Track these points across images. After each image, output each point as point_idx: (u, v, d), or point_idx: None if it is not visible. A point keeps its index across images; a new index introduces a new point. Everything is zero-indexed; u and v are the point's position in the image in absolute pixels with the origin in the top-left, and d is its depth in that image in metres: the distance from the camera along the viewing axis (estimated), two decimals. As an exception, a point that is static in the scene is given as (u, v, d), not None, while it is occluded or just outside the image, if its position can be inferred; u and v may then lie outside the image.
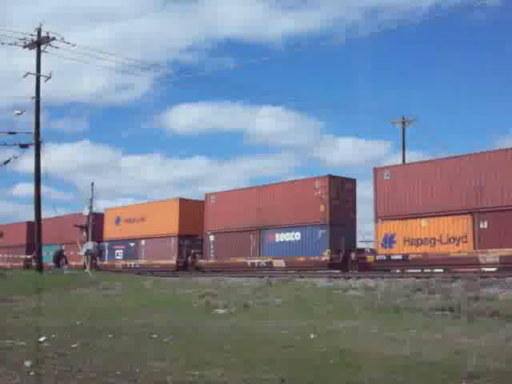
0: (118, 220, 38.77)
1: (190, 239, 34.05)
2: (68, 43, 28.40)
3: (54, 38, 28.33)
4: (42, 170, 28.59)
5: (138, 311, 15.20)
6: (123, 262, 37.45)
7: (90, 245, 35.44)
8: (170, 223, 34.24)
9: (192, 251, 33.48)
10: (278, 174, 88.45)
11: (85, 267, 33.31)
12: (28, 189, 73.92)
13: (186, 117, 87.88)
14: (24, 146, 28.23)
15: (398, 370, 7.35)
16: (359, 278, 21.42)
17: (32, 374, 7.72)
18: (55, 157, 79.24)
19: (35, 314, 15.11)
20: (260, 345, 9.53)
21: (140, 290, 21.13)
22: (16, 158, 28.94)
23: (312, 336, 10.26)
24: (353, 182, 28.15)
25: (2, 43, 27.97)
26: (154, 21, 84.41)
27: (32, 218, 30.43)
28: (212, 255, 31.94)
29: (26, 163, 62.86)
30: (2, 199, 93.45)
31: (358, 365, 7.76)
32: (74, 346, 9.73)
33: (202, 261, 32.47)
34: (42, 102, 28.85)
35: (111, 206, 43.02)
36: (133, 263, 36.74)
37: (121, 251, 38.11)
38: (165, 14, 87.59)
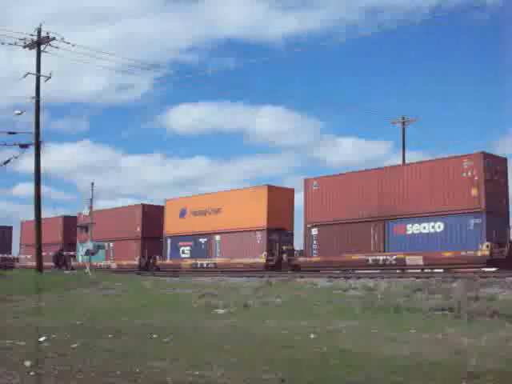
0: (183, 212, 34.09)
1: (278, 233, 29.49)
2: (68, 43, 28.46)
3: (53, 38, 28.35)
4: (41, 170, 28.63)
5: (138, 311, 15.20)
6: (191, 261, 33.06)
7: (90, 245, 35.36)
8: (255, 214, 29.53)
9: (284, 247, 29.15)
10: (278, 174, 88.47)
11: (88, 265, 33.09)
12: (28, 189, 74.09)
13: (186, 117, 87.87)
14: (24, 146, 28.23)
15: (397, 370, 7.35)
16: (359, 277, 21.42)
17: (32, 374, 7.72)
18: (55, 157, 79.20)
19: (35, 314, 15.11)
20: (260, 345, 9.53)
21: (140, 290, 21.13)
22: (16, 157, 28.95)
23: (312, 336, 10.26)
24: (503, 160, 23.95)
25: (2, 43, 28.03)
26: (154, 21, 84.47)
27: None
28: (315, 252, 27.39)
29: (26, 163, 62.87)
30: (2, 199, 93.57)
31: (358, 365, 7.75)
32: (74, 346, 9.73)
33: (301, 259, 28.01)
34: (42, 102, 28.90)
35: (174, 196, 37.82)
36: (205, 262, 32.10)
37: (188, 248, 33.54)
38: (165, 14, 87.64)
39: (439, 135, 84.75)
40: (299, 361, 8.17)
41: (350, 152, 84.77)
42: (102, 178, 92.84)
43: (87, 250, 34.47)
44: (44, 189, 28.94)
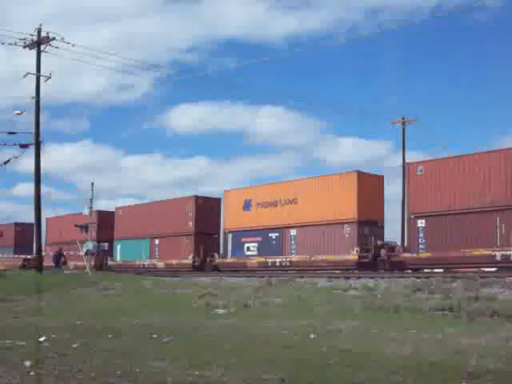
0: (247, 204, 30.40)
1: (369, 226, 26.07)
2: (68, 43, 28.45)
3: (53, 38, 28.34)
4: (41, 170, 28.64)
5: (138, 311, 15.20)
6: (260, 259, 29.27)
7: (90, 245, 35.31)
8: (342, 205, 26.15)
9: (378, 242, 25.83)
10: (279, 174, 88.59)
11: (94, 266, 32.91)
12: (28, 189, 73.96)
13: (186, 117, 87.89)
14: (24, 146, 28.24)
15: (398, 369, 7.34)
16: (359, 277, 21.42)
17: (32, 374, 7.71)
18: (55, 157, 79.16)
19: (35, 314, 15.10)
20: (260, 345, 9.53)
21: (140, 290, 21.14)
22: (16, 157, 28.98)
23: (312, 336, 10.26)
24: None
25: (2, 43, 28.05)
26: (154, 21, 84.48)
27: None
28: (422, 246, 23.81)
29: (26, 163, 62.82)
30: (2, 199, 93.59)
31: (358, 365, 7.75)
32: (74, 346, 9.73)
33: (407, 255, 24.29)
34: (42, 102, 28.91)
35: (231, 187, 35.13)
36: (278, 260, 28.30)
37: (254, 245, 29.79)
38: (165, 14, 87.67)
39: (439, 135, 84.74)
40: (299, 361, 8.16)
41: (349, 152, 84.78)
42: (102, 178, 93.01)
43: (87, 250, 34.46)
44: (44, 189, 29.02)
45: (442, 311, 12.72)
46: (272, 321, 12.38)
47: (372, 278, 20.75)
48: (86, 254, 34.59)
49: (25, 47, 28.60)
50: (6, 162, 29.51)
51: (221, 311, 14.59)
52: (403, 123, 42.22)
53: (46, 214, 32.97)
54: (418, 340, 9.59)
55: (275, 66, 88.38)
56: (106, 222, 38.94)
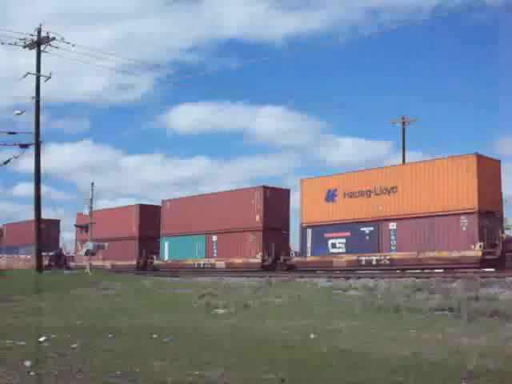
0: (331, 194, 26.92)
1: (488, 217, 22.98)
2: (68, 43, 28.52)
3: (53, 38, 28.38)
4: (41, 170, 28.65)
5: (138, 311, 15.20)
6: (349, 257, 25.75)
7: (90, 245, 35.28)
8: (457, 193, 23.16)
9: (503, 235, 22.90)
10: (279, 174, 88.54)
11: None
12: (28, 189, 74.02)
13: (186, 117, 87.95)
14: (24, 146, 28.27)
15: (398, 369, 7.34)
16: (359, 277, 21.41)
17: (32, 374, 7.71)
18: (56, 157, 79.21)
19: (35, 314, 15.10)
20: (260, 345, 9.53)
21: (140, 290, 21.13)
22: (16, 157, 29.04)
23: (312, 336, 10.26)
24: None
25: (2, 43, 28.11)
26: (155, 21, 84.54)
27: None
28: None
29: (26, 163, 62.90)
30: (2, 199, 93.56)
31: (358, 365, 7.75)
32: (74, 346, 9.73)
33: None
34: (42, 102, 28.96)
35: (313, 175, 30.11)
36: (374, 258, 24.83)
37: (341, 241, 26.26)
38: (166, 14, 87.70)
39: (439, 135, 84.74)
40: (299, 361, 8.16)
41: (350, 152, 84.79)
42: (102, 178, 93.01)
43: (87, 250, 34.43)
44: (44, 189, 29.00)
45: (442, 311, 12.72)
46: (272, 321, 12.38)
47: (372, 277, 20.75)
48: (86, 253, 34.59)
49: (25, 47, 28.63)
50: (6, 162, 29.57)
51: (221, 311, 14.59)
52: (403, 123, 42.26)
53: (46, 214, 32.84)
54: (418, 340, 9.59)
55: (275, 66, 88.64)
56: (148, 217, 37.02)
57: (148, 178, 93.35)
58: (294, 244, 29.87)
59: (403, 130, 42.29)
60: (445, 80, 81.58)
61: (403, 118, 42.41)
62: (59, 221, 48.24)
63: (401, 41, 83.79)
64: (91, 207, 35.20)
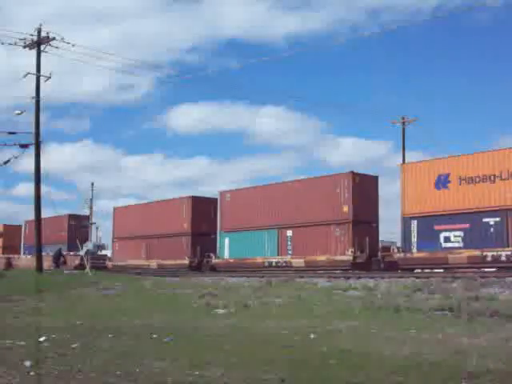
0: (443, 180, 23.34)
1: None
2: (68, 43, 28.54)
3: (53, 38, 28.39)
4: (42, 170, 28.66)
5: (138, 311, 15.20)
6: (470, 253, 22.01)
7: (90, 245, 35.28)
8: None
9: None
10: (279, 174, 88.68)
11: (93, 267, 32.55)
12: (28, 189, 74.04)
13: (186, 117, 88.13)
14: (24, 146, 28.29)
15: (397, 369, 7.34)
16: (359, 277, 21.41)
17: (32, 374, 7.71)
18: (56, 157, 79.34)
19: (35, 314, 15.11)
20: (260, 345, 9.53)
21: (140, 290, 21.14)
22: (16, 157, 29.05)
23: (312, 336, 10.27)
24: None
25: (2, 43, 28.13)
26: (155, 21, 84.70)
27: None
28: None
29: (26, 163, 62.89)
30: (2, 199, 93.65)
31: (358, 365, 7.75)
32: (74, 346, 9.73)
33: None
34: (42, 102, 28.97)
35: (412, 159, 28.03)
36: (503, 253, 21.22)
37: (457, 234, 22.69)
38: (167, 14, 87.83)
39: (439, 135, 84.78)
40: (299, 361, 8.16)
41: (350, 152, 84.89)
42: (103, 178, 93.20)
43: (87, 250, 34.46)
44: (44, 189, 28.99)
45: (442, 311, 12.73)
46: (272, 321, 12.38)
47: (372, 277, 20.76)
48: (86, 253, 34.62)
49: (25, 47, 28.64)
50: (6, 162, 29.59)
51: (221, 311, 14.59)
52: (403, 123, 42.29)
53: (46, 214, 32.84)
54: (418, 340, 9.59)
55: (276, 65, 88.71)
56: (201, 210, 33.52)
57: (148, 177, 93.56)
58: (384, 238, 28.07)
59: (403, 129, 42.32)
60: (445, 80, 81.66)
61: (403, 118, 42.43)
62: (88, 216, 47.04)
63: (401, 41, 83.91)
64: (91, 207, 35.18)
